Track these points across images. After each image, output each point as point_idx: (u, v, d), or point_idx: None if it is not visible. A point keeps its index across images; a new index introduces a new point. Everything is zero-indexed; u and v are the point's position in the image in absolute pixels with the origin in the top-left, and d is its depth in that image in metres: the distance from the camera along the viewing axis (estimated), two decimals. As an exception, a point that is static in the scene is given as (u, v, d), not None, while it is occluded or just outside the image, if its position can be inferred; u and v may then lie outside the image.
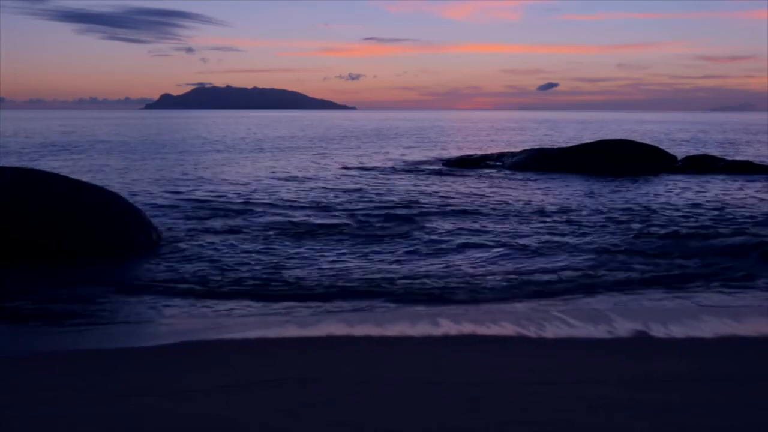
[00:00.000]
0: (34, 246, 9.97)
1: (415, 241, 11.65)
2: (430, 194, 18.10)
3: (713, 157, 25.91)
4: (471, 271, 9.73)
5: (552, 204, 16.19)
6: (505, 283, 8.97)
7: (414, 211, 14.86)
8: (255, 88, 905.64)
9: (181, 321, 7.52)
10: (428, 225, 13.30)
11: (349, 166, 27.08)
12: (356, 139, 51.52)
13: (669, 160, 25.04)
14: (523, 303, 8.16)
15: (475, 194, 18.14)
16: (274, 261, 10.15)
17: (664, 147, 28.44)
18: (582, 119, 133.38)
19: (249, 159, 30.94)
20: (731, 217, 14.36)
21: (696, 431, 4.16)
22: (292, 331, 7.08)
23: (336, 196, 17.49)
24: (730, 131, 67.27)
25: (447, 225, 13.31)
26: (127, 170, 24.66)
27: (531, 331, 7.02)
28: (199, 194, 17.62)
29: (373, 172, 24.36)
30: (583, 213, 14.82)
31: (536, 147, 31.39)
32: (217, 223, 13.31)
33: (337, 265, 9.93)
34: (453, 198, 17.39)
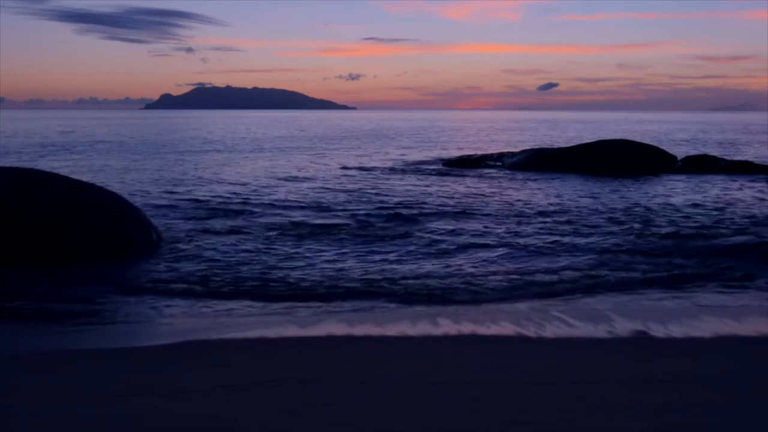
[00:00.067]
0: (34, 246, 9.97)
1: (415, 242, 11.65)
2: (430, 194, 18.10)
3: (713, 157, 25.91)
4: (472, 271, 9.73)
5: (552, 204, 16.19)
6: (506, 284, 8.97)
7: (414, 212, 14.87)
8: (255, 88, 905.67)
9: (181, 321, 7.52)
10: (428, 225, 13.31)
11: (349, 166, 27.08)
12: (356, 139, 51.53)
13: (669, 160, 25.04)
14: (523, 303, 8.16)
15: (475, 194, 18.15)
16: (274, 261, 10.16)
17: (664, 147, 28.44)
18: (582, 119, 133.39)
19: (249, 159, 30.94)
20: (731, 217, 14.36)
21: (696, 431, 4.16)
22: (292, 331, 7.08)
23: (336, 197, 17.49)
24: (730, 131, 67.28)
25: (447, 225, 13.31)
26: (127, 170, 24.66)
27: (531, 331, 7.02)
28: (198, 194, 17.62)
29: (373, 172, 24.36)
30: (583, 213, 14.82)
31: (536, 147, 31.40)
32: (217, 223, 13.31)
33: (338, 266, 9.93)
34: (453, 198, 17.39)
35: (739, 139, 50.69)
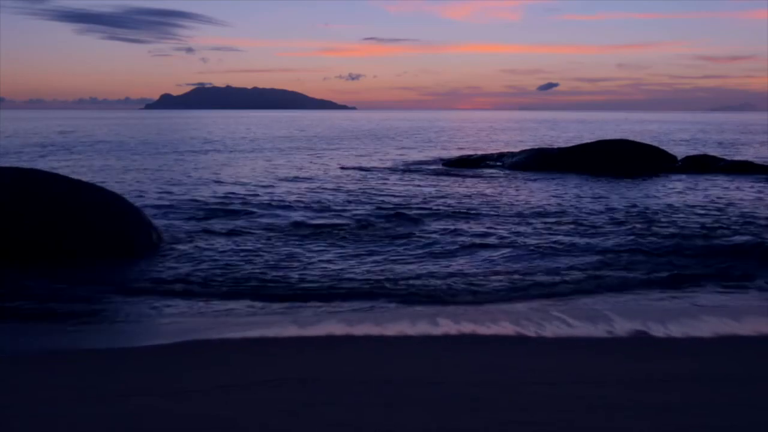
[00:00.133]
0: (34, 246, 9.97)
1: (415, 242, 11.65)
2: (430, 194, 18.10)
3: (713, 157, 25.91)
4: (472, 271, 9.73)
5: (552, 204, 16.19)
6: (507, 284, 8.96)
7: (414, 212, 14.86)
8: (255, 88, 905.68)
9: (181, 321, 7.52)
10: (428, 225, 13.31)
11: (349, 166, 27.08)
12: (356, 139, 51.53)
13: (669, 160, 25.04)
14: (523, 303, 8.16)
15: (475, 194, 18.15)
16: (274, 261, 10.16)
17: (664, 147, 28.43)
18: (582, 119, 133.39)
19: (249, 159, 30.94)
20: (731, 217, 14.36)
21: (696, 431, 4.16)
22: (291, 331, 7.08)
23: (336, 197, 17.49)
24: (729, 131, 67.27)
25: (447, 225, 13.31)
26: (127, 170, 24.66)
27: (531, 331, 7.02)
28: (198, 194, 17.62)
29: (373, 172, 24.36)
30: (584, 213, 14.83)
31: (536, 147, 31.39)
32: (217, 224, 13.31)
33: (337, 266, 9.93)
34: (453, 198, 17.39)
35: (739, 139, 50.68)
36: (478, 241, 11.69)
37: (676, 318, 7.49)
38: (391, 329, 7.13)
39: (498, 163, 26.49)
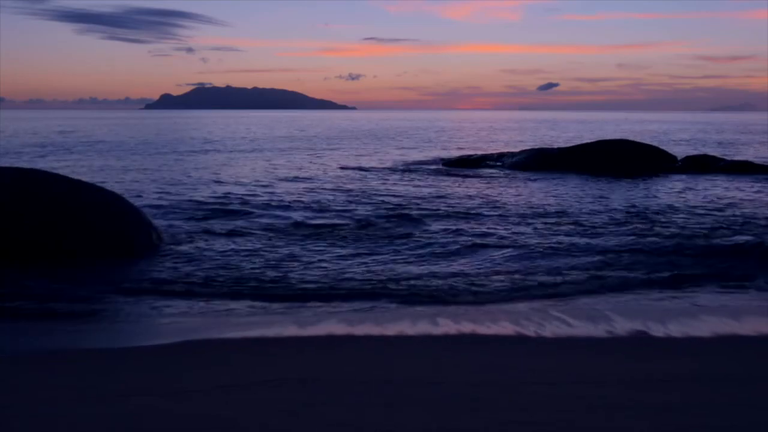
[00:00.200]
0: (34, 246, 9.97)
1: (415, 242, 11.65)
2: (430, 194, 18.10)
3: (713, 157, 25.91)
4: (473, 271, 9.73)
5: (552, 204, 16.19)
6: (508, 284, 8.96)
7: (414, 212, 14.86)
8: (255, 88, 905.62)
9: (181, 321, 7.52)
10: (428, 225, 13.30)
11: (349, 166, 27.08)
12: (356, 139, 51.53)
13: (669, 160, 25.04)
14: (523, 303, 8.16)
15: (475, 194, 18.15)
16: (275, 261, 10.16)
17: (664, 147, 28.43)
18: (582, 119, 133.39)
19: (249, 159, 30.94)
20: (731, 217, 14.36)
21: (696, 431, 4.16)
22: (292, 331, 7.08)
23: (336, 197, 17.49)
24: (729, 131, 67.27)
25: (447, 225, 13.31)
26: (127, 170, 24.66)
27: (531, 331, 7.02)
28: (199, 194, 17.61)
29: (373, 172, 24.36)
30: (584, 213, 14.83)
31: (536, 147, 31.39)
32: (217, 224, 13.31)
33: (338, 266, 9.93)
34: (453, 198, 17.39)
35: (739, 139, 50.69)
36: (478, 241, 11.69)
37: (676, 318, 7.49)
38: (392, 329, 7.13)
39: (498, 163, 26.49)
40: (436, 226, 13.23)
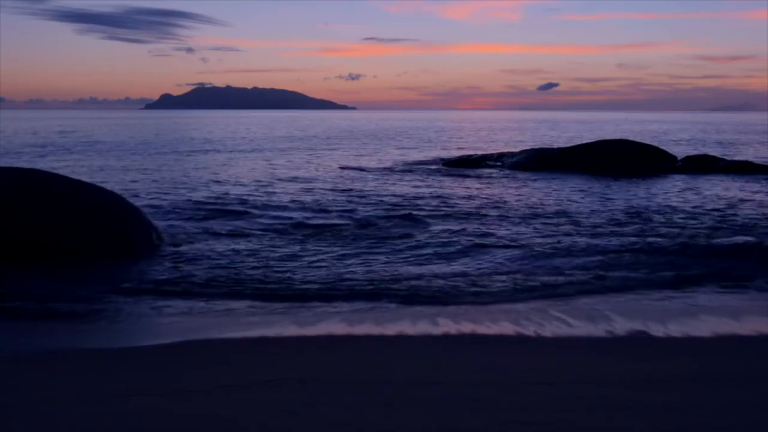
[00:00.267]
0: (34, 246, 9.97)
1: (415, 242, 11.65)
2: (430, 194, 18.10)
3: (713, 157, 25.91)
4: (474, 272, 9.73)
5: (552, 204, 16.19)
6: (509, 285, 8.95)
7: (414, 212, 14.85)
8: (255, 88, 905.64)
9: (181, 321, 7.52)
10: (428, 225, 13.30)
11: (349, 166, 27.08)
12: (356, 139, 51.53)
13: (669, 160, 25.04)
14: (523, 303, 8.15)
15: (475, 195, 18.15)
16: (275, 261, 10.15)
17: (664, 147, 28.43)
18: (582, 119, 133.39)
19: (249, 159, 30.94)
20: (731, 217, 14.36)
21: (696, 431, 4.16)
22: (292, 331, 7.08)
23: (336, 197, 17.49)
24: (729, 131, 67.28)
25: (447, 225, 13.31)
26: (127, 170, 24.66)
27: (531, 331, 7.02)
28: (199, 194, 17.61)
29: (373, 172, 24.36)
30: (584, 213, 14.83)
31: (536, 147, 31.39)
32: (217, 224, 13.31)
33: (338, 266, 9.93)
34: (453, 198, 17.39)
35: (739, 139, 50.69)
36: (478, 241, 11.68)
37: (676, 318, 7.49)
38: (392, 329, 7.13)
39: (498, 163, 26.49)
40: (436, 226, 13.23)
